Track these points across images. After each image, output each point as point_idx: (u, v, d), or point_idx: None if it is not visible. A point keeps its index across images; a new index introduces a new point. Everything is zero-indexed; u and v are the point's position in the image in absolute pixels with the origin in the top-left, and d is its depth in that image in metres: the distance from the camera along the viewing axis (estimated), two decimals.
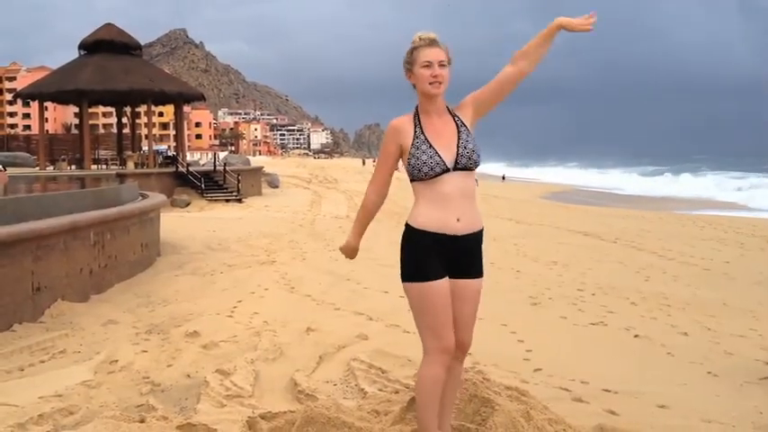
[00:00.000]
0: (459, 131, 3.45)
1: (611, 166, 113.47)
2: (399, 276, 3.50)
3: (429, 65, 3.39)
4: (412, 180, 3.46)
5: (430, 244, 3.38)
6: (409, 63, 3.46)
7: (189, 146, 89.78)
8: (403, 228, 3.51)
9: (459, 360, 3.58)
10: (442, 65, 3.41)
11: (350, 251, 3.67)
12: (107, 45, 35.41)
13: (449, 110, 3.53)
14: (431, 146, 3.40)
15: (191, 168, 33.26)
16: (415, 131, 3.45)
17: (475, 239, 3.49)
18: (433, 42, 3.42)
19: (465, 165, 3.40)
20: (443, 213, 3.37)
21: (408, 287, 3.44)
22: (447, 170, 3.38)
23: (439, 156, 3.38)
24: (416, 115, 3.50)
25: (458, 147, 3.40)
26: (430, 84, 3.40)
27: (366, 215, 3.62)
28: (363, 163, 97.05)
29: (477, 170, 3.54)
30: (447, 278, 3.42)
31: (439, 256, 3.39)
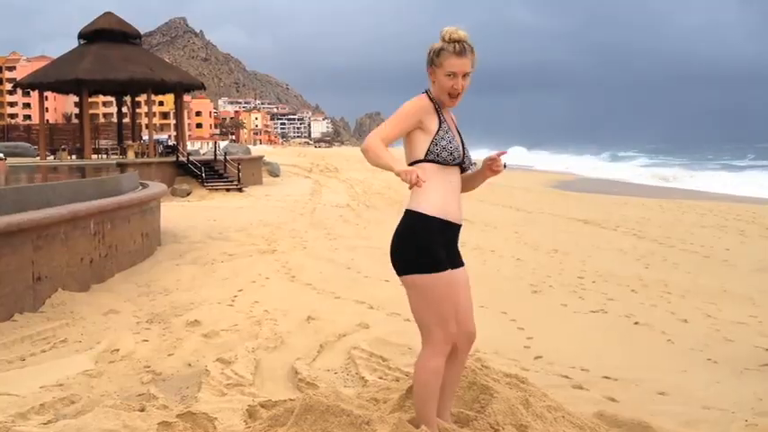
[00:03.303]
0: (460, 134, 3.52)
1: (606, 154, 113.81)
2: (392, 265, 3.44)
3: (453, 75, 3.34)
4: (426, 161, 3.34)
5: (441, 231, 3.36)
6: (433, 63, 3.39)
7: (189, 135, 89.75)
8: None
9: (466, 350, 3.58)
10: (465, 76, 3.36)
11: (405, 172, 3.09)
12: (107, 34, 35.28)
13: None
14: (454, 137, 3.43)
15: (191, 158, 33.18)
16: (440, 117, 3.42)
17: (459, 230, 3.52)
18: (461, 51, 3.32)
19: (467, 165, 3.49)
20: (449, 201, 3.38)
21: (420, 279, 3.33)
22: (460, 164, 3.43)
23: (462, 147, 3.44)
24: (435, 102, 3.45)
25: (464, 147, 3.47)
26: (449, 95, 3.38)
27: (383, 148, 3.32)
28: None
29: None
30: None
31: (444, 246, 3.39)
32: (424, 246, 3.33)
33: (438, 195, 3.35)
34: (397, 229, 3.42)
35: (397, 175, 3.11)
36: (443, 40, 3.36)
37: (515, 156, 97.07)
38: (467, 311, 3.51)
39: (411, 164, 3.38)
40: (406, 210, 3.40)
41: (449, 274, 3.35)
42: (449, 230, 3.39)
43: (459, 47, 3.33)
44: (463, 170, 3.48)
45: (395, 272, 3.44)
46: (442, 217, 3.35)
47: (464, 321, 3.48)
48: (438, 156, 3.35)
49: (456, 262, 3.49)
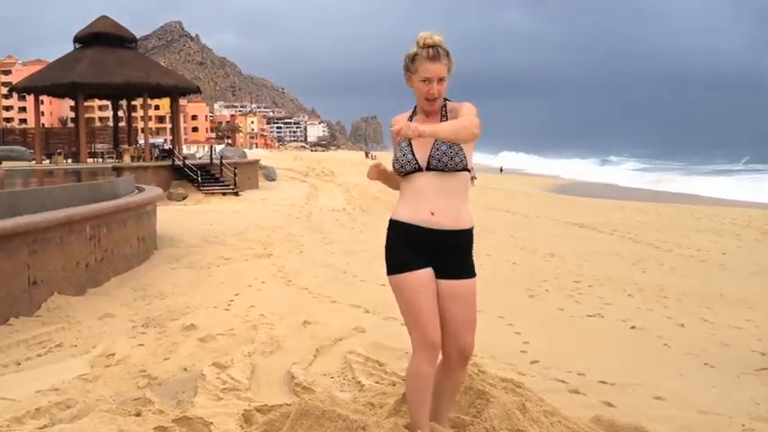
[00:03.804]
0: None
1: (602, 158, 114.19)
2: None
3: (428, 81, 3.35)
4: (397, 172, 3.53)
5: (404, 235, 3.39)
6: (409, 70, 3.41)
7: (185, 139, 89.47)
8: None
9: (461, 366, 3.50)
10: (441, 80, 3.36)
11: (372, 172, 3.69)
12: (102, 38, 35.27)
13: (444, 109, 3.49)
14: (409, 144, 3.41)
15: (187, 161, 33.14)
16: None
17: (458, 237, 3.43)
18: (435, 56, 3.32)
19: (435, 166, 3.36)
20: (415, 206, 3.38)
21: (390, 280, 3.45)
22: (419, 169, 3.37)
23: (412, 154, 3.38)
24: (413, 114, 3.52)
25: (431, 148, 3.36)
26: (426, 99, 3.39)
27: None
28: (366, 155, 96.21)
29: (475, 163, 3.52)
30: (429, 271, 3.38)
31: (415, 249, 3.37)
32: (389, 249, 3.46)
33: (402, 202, 3.45)
34: None
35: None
36: (418, 45, 3.37)
37: (508, 160, 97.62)
38: (460, 325, 3.43)
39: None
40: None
41: (410, 276, 3.35)
42: (421, 234, 3.36)
43: (433, 52, 3.33)
44: (440, 170, 3.36)
45: None
46: (405, 221, 3.39)
47: (455, 335, 3.42)
48: (395, 170, 3.47)
49: (454, 273, 3.43)
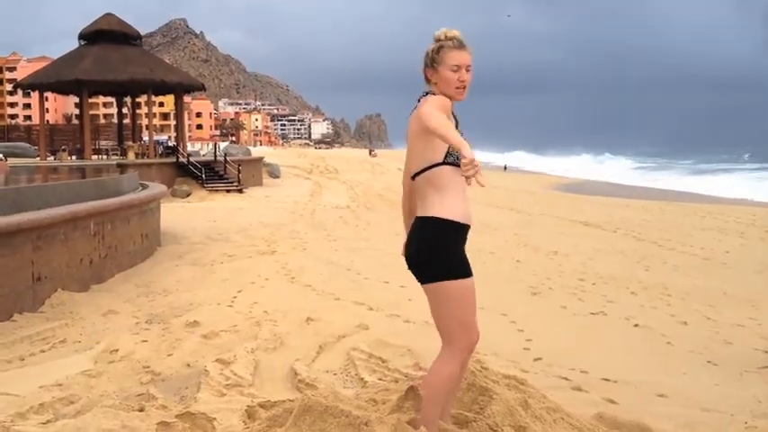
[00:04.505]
0: None
1: (605, 156, 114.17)
2: (413, 272, 3.36)
3: (457, 69, 3.33)
4: (446, 163, 3.28)
5: (462, 237, 3.34)
6: (434, 62, 3.37)
7: (190, 136, 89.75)
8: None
9: (471, 350, 3.57)
10: (468, 69, 3.36)
11: (473, 161, 2.91)
12: (107, 35, 35.33)
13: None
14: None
15: (191, 159, 33.21)
16: (454, 117, 3.43)
17: None
18: (462, 45, 3.35)
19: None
20: (465, 204, 3.35)
21: (451, 285, 3.29)
22: None
23: None
24: None
25: None
26: (456, 88, 3.35)
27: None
28: (370, 153, 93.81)
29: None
30: None
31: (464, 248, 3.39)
32: (456, 252, 3.31)
33: (460, 200, 3.32)
34: (421, 237, 3.32)
35: (462, 157, 2.90)
36: (440, 39, 3.38)
37: (512, 158, 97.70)
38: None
39: (426, 168, 3.30)
40: (432, 217, 3.29)
41: (472, 280, 3.35)
42: (467, 233, 3.38)
43: (458, 41, 3.35)
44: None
45: (416, 279, 3.36)
46: (466, 222, 3.33)
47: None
48: (458, 158, 3.16)
49: None
